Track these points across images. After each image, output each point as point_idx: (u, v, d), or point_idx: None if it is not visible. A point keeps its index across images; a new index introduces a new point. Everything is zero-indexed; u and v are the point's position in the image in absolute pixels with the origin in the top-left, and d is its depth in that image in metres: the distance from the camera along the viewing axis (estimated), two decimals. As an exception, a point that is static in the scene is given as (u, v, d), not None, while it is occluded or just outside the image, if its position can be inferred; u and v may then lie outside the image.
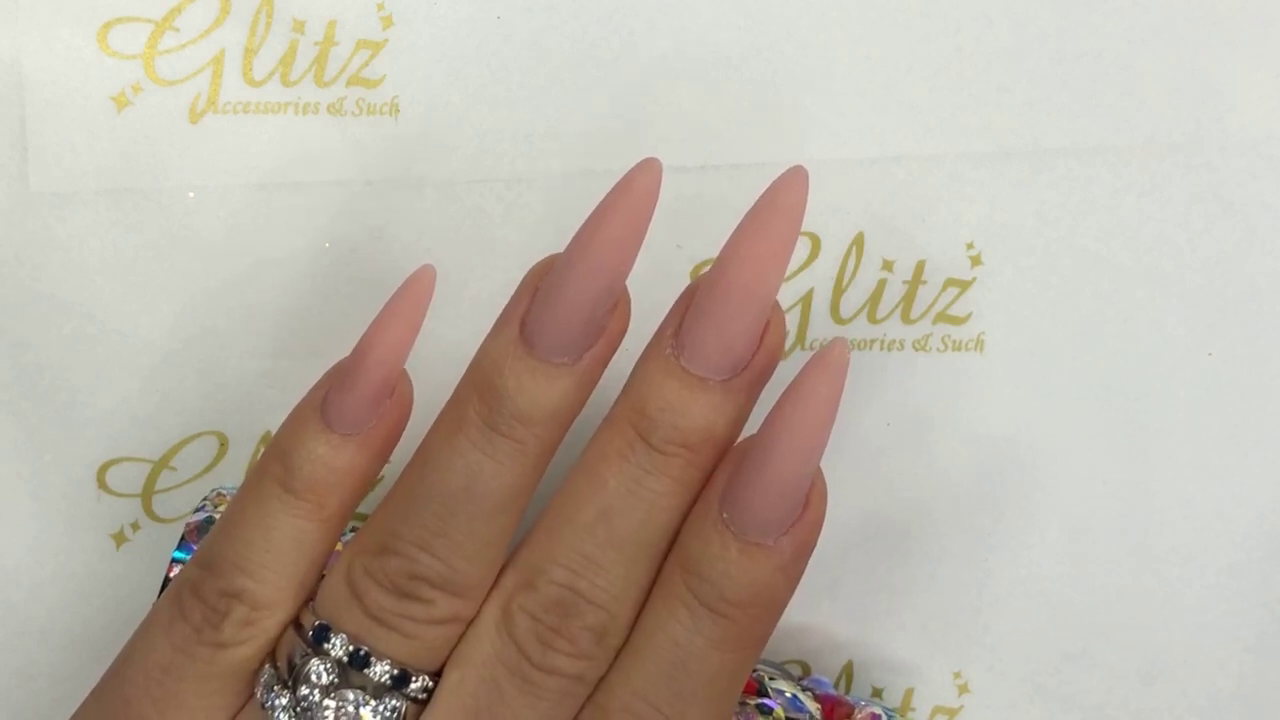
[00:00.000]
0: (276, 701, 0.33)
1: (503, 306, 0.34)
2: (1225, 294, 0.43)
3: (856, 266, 0.43)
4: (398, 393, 0.34)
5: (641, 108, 0.42)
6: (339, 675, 0.33)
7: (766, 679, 0.41)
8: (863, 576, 0.45)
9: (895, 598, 0.45)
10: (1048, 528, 0.44)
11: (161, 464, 0.43)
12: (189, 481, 0.44)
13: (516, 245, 0.43)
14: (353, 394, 0.34)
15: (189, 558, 0.38)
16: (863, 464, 0.44)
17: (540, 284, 0.34)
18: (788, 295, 0.43)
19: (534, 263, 0.35)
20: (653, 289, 0.37)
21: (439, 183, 0.42)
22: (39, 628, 0.44)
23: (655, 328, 0.34)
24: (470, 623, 0.34)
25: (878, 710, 0.41)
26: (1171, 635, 0.45)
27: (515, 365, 0.33)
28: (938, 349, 0.44)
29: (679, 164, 0.42)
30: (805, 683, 0.42)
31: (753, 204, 0.33)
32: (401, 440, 0.35)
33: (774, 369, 0.34)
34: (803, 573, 0.34)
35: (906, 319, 0.43)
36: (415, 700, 0.34)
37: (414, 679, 0.33)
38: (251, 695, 0.34)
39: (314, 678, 0.33)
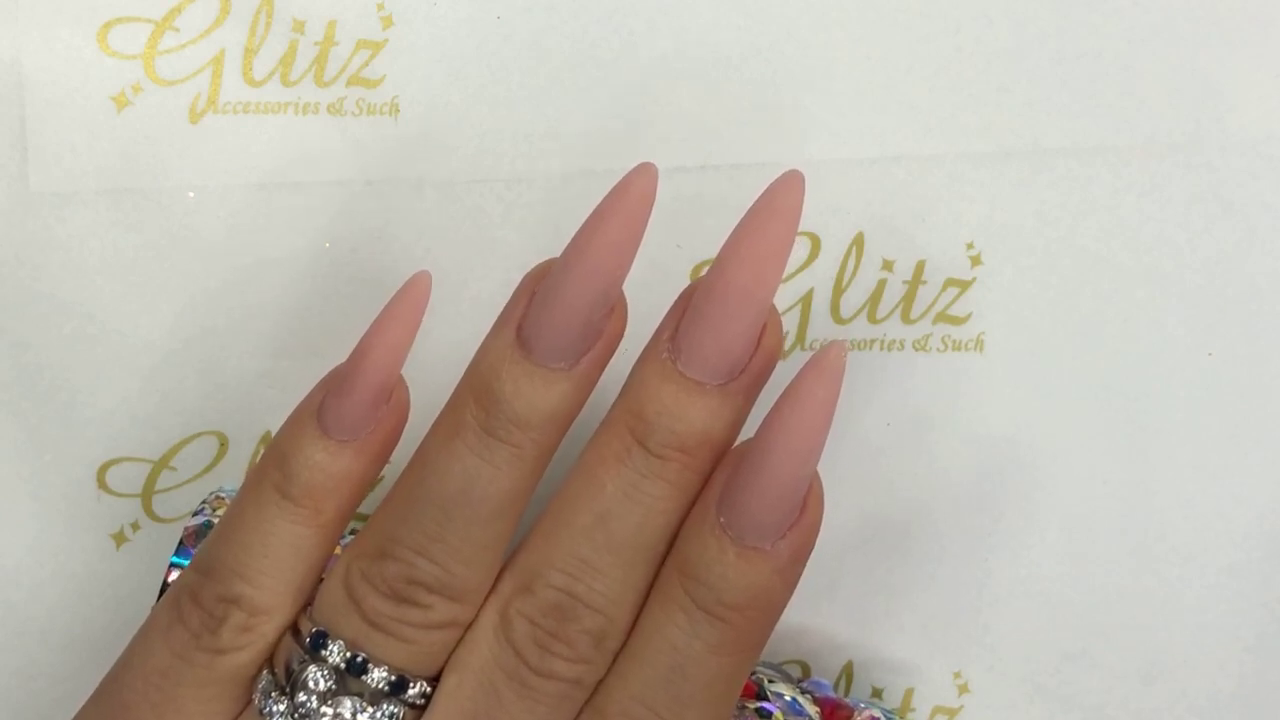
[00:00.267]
0: (274, 708, 0.33)
1: (502, 307, 0.34)
2: (1225, 294, 0.43)
3: (856, 266, 0.43)
4: (395, 398, 0.34)
5: (641, 108, 0.42)
6: (336, 682, 0.33)
7: (765, 682, 0.41)
8: (862, 577, 0.45)
9: (895, 598, 0.45)
10: (1048, 528, 0.44)
11: (161, 464, 0.43)
12: (189, 481, 0.44)
13: (516, 245, 0.43)
14: (350, 400, 0.34)
15: (187, 563, 0.38)
16: (863, 464, 0.44)
17: (537, 288, 0.34)
18: (788, 295, 0.43)
19: (533, 264, 0.35)
20: (652, 290, 0.37)
21: (439, 183, 0.42)
22: (39, 628, 0.44)
23: (654, 329, 0.34)
24: (468, 627, 0.34)
25: (877, 713, 0.41)
26: (1171, 635, 0.45)
27: (512, 369, 0.33)
28: (938, 349, 0.44)
29: (679, 164, 0.42)
30: (805, 685, 0.42)
31: (749, 207, 0.33)
32: (400, 444, 0.35)
33: (771, 372, 0.34)
34: (800, 576, 0.34)
35: (906, 319, 0.43)
36: (413, 706, 0.34)
37: (412, 685, 0.33)
38: (249, 701, 0.34)
39: (311, 684, 0.33)
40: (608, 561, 0.33)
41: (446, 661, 0.34)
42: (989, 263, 0.43)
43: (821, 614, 0.45)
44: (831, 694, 0.42)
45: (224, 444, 0.43)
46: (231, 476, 0.44)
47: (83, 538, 0.44)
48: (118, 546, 0.44)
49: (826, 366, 0.32)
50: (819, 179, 0.41)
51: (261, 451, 0.43)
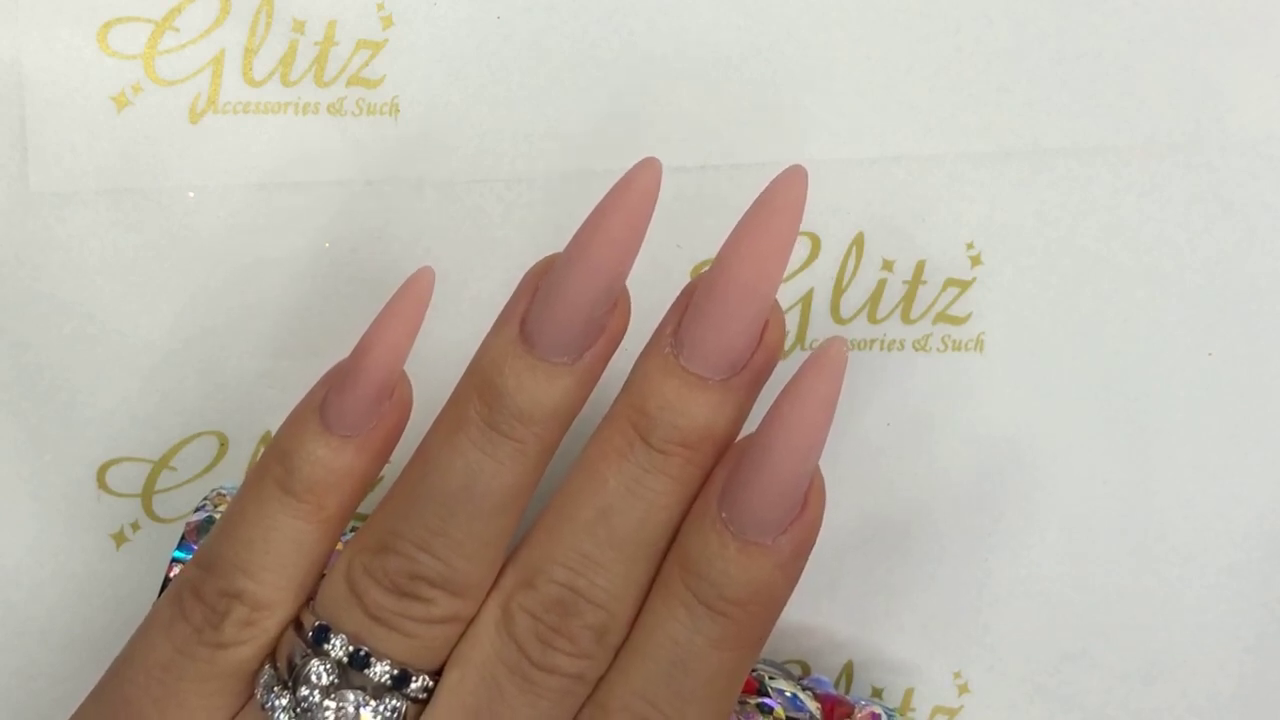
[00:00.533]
0: (276, 702, 0.33)
1: (502, 306, 0.34)
2: (1225, 294, 0.43)
3: (856, 266, 0.43)
4: (397, 394, 0.34)
5: (641, 108, 0.42)
6: (339, 676, 0.33)
7: (766, 678, 0.41)
8: (862, 577, 0.45)
9: (895, 598, 0.45)
10: (1048, 528, 0.44)
11: (161, 464, 0.43)
12: (189, 481, 0.44)
13: (516, 245, 0.43)
14: (352, 395, 0.34)
15: (189, 558, 0.38)
16: (863, 464, 0.44)
17: (540, 283, 0.34)
18: (788, 295, 0.43)
19: (534, 262, 0.35)
20: (653, 289, 0.37)
21: (439, 183, 0.42)
22: (39, 628, 0.44)
23: (655, 327, 0.34)
24: (470, 622, 0.34)
25: (878, 710, 0.41)
26: (1171, 635, 0.45)
27: (515, 364, 0.33)
28: (938, 349, 0.44)
29: (679, 164, 0.42)
30: (805, 682, 0.42)
31: (752, 203, 0.33)
32: (401, 441, 0.35)
33: (773, 368, 0.34)
34: (801, 571, 0.34)
35: (906, 319, 0.43)
36: (415, 700, 0.33)
37: (414, 679, 0.33)
38: (251, 696, 0.34)
39: (314, 678, 0.33)
40: (610, 557, 0.33)
41: (449, 656, 0.34)
42: (989, 263, 0.43)
43: (822, 614, 0.45)
44: (832, 691, 0.42)
45: (224, 444, 0.43)
46: (231, 477, 0.44)
47: (83, 538, 0.44)
48: (118, 546, 0.44)
49: (827, 362, 0.32)
50: (819, 179, 0.40)
51: (262, 451, 0.43)
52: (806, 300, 0.43)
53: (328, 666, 0.33)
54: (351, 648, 0.33)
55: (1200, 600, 0.45)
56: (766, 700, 0.40)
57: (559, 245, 0.34)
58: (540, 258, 0.35)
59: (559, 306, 0.33)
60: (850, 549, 0.44)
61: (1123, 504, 0.44)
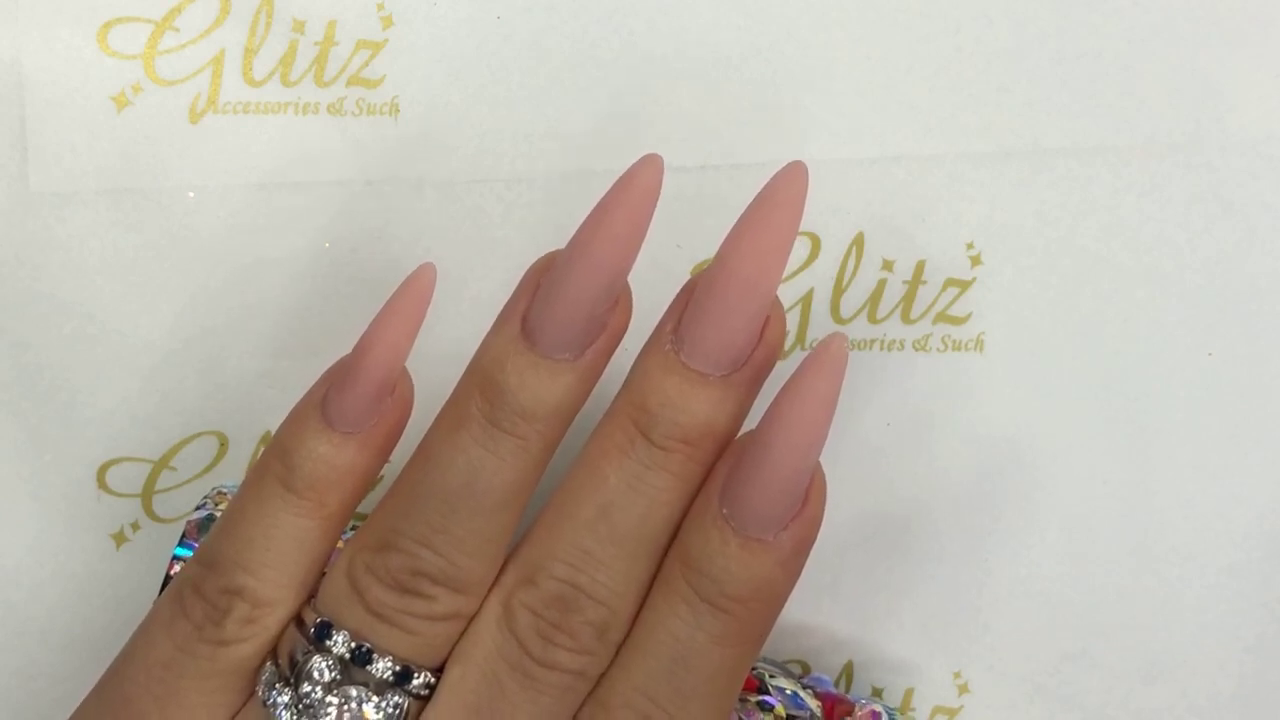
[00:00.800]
0: (278, 699, 0.33)
1: (503, 306, 0.34)
2: (1225, 294, 0.43)
3: (856, 266, 0.43)
4: (398, 391, 0.34)
5: (641, 108, 0.42)
6: (341, 672, 0.33)
7: (767, 676, 0.41)
8: (863, 576, 0.45)
9: (895, 597, 0.45)
10: (1048, 528, 0.44)
11: (161, 464, 0.43)
12: (189, 481, 0.44)
13: (516, 245, 0.43)
14: (353, 392, 0.34)
15: (190, 555, 0.38)
16: (863, 464, 0.44)
17: (541, 280, 0.34)
18: (788, 295, 0.43)
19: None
20: (653, 288, 0.37)
21: (439, 183, 0.42)
22: (39, 628, 0.44)
23: (655, 326, 0.34)
24: (472, 619, 0.34)
25: (878, 708, 0.41)
26: (1171, 635, 0.45)
27: (517, 361, 0.33)
28: (938, 349, 0.44)
29: (679, 164, 0.42)
30: (805, 681, 0.42)
31: (753, 199, 0.33)
32: (402, 439, 0.35)
33: (774, 364, 0.34)
34: (802, 568, 0.34)
35: (906, 319, 0.43)
36: (417, 696, 0.33)
37: (416, 675, 0.33)
38: (253, 693, 0.34)
39: (316, 675, 0.33)
40: (611, 553, 0.33)
41: (450, 653, 0.34)
42: (989, 263, 0.43)
43: (822, 613, 0.45)
44: (832, 689, 0.42)
45: (224, 444, 0.43)
46: (231, 476, 0.44)
47: (83, 538, 0.43)
48: (118, 546, 0.44)
49: (828, 359, 0.32)
50: (819, 179, 0.40)
51: (262, 451, 0.43)
52: (806, 300, 0.43)
53: (330, 663, 0.33)
54: (353, 644, 0.33)
55: (1200, 600, 0.45)
56: (767, 698, 0.40)
57: (559, 245, 0.34)
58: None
59: (560, 304, 0.33)
60: (850, 548, 0.44)
61: (1123, 504, 0.44)
